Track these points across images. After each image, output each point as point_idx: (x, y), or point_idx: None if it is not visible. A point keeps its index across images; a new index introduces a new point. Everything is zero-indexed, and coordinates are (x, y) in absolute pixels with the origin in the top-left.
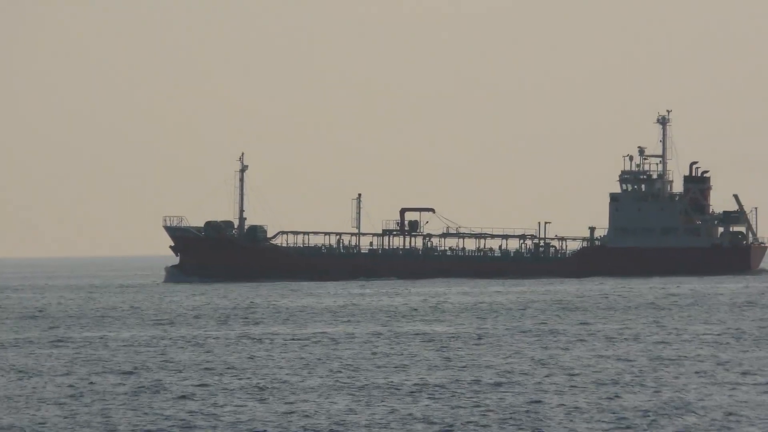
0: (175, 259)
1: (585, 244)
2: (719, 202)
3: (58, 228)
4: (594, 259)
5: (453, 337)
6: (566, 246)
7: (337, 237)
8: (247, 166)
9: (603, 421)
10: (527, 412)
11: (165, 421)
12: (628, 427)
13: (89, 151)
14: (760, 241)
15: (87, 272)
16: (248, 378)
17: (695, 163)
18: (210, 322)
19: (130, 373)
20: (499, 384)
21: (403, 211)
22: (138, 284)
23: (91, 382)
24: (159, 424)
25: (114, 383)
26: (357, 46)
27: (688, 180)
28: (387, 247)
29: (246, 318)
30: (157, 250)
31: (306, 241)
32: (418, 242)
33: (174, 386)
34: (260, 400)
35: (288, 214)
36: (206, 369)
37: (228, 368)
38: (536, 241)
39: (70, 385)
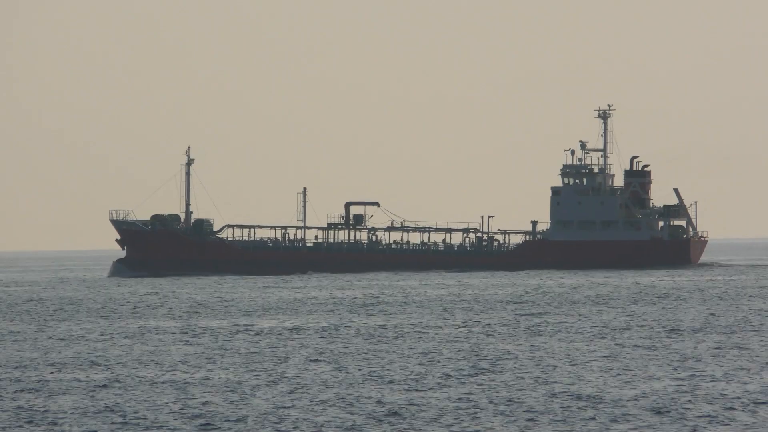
0: (122, 253)
1: (527, 237)
2: (660, 196)
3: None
4: (536, 253)
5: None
6: (509, 239)
7: (283, 231)
8: (193, 160)
9: None
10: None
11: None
12: None
13: (35, 144)
14: (699, 235)
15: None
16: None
17: (636, 157)
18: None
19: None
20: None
21: (348, 205)
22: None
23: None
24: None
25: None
26: (304, 41)
27: (629, 174)
28: (332, 241)
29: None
30: (105, 244)
31: (252, 235)
32: (363, 236)
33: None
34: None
35: (234, 207)
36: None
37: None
38: (479, 234)
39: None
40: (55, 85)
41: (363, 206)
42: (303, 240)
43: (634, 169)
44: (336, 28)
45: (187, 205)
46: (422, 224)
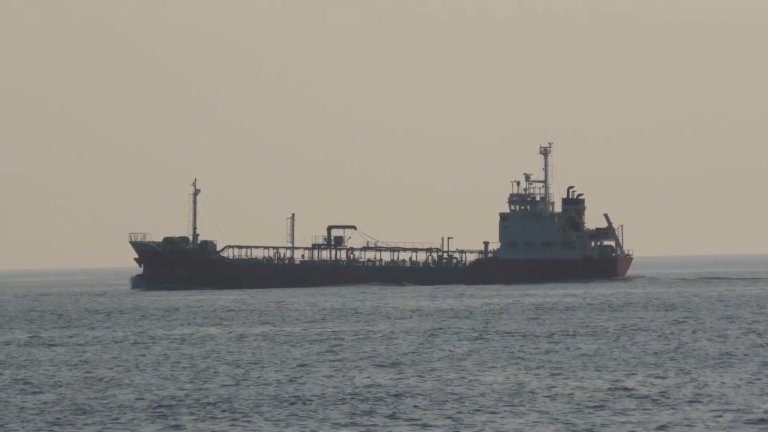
0: (139, 270)
1: (480, 255)
2: (592, 220)
3: (33, 242)
4: (488, 269)
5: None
6: (465, 257)
7: (275, 250)
8: (199, 190)
9: None
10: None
11: None
12: None
13: (66, 172)
14: (626, 253)
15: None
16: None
17: (572, 187)
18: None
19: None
20: None
21: (329, 228)
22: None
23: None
24: None
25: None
26: (290, 87)
27: (566, 202)
28: (316, 259)
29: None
30: (123, 262)
31: (249, 254)
32: (343, 255)
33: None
34: None
35: (234, 230)
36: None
37: None
38: (440, 253)
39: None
40: (82, 117)
41: (342, 229)
42: (292, 258)
43: (571, 197)
44: (318, 65)
45: (194, 228)
46: (393, 245)
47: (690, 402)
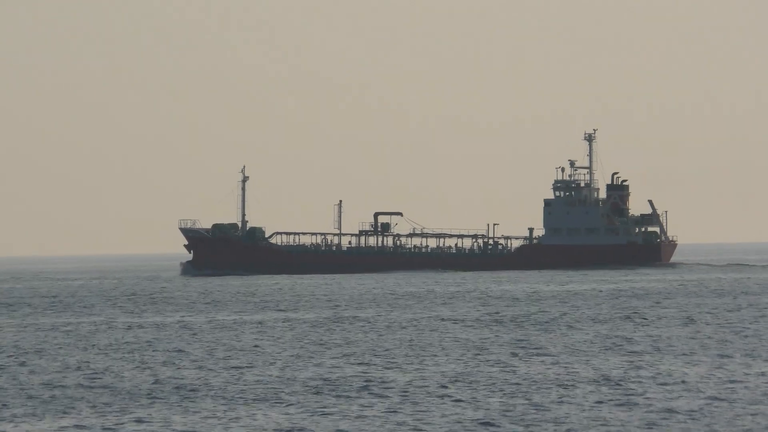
0: (189, 256)
1: (525, 242)
2: (636, 206)
3: (87, 228)
4: (532, 255)
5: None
6: (510, 244)
7: (322, 237)
8: (248, 177)
9: None
10: None
11: None
12: None
13: (118, 163)
14: (670, 239)
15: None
16: None
17: (616, 173)
18: None
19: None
20: None
21: (376, 215)
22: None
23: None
24: None
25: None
26: (334, 83)
27: (611, 188)
28: (363, 246)
29: None
30: (173, 248)
31: (296, 240)
32: (389, 241)
33: None
34: None
35: (282, 217)
36: None
37: None
38: (486, 239)
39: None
40: (122, 118)
41: (389, 216)
42: (339, 245)
43: (615, 183)
44: (361, 59)
45: (243, 215)
46: (438, 231)
47: None
